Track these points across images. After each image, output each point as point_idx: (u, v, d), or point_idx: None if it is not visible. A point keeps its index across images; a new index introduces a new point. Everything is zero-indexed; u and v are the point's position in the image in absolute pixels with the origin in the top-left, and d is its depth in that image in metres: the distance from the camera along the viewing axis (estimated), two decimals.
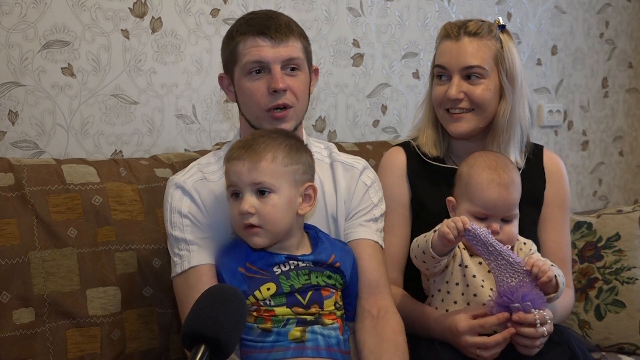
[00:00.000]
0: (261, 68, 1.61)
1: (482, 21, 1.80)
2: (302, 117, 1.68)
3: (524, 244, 1.70)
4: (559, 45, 3.13)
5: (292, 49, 1.61)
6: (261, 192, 1.51)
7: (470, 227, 1.53)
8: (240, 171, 1.50)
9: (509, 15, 2.95)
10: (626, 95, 3.40)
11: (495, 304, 1.55)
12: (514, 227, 1.66)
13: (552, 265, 1.62)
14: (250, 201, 1.50)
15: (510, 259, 1.54)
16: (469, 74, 1.76)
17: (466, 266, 1.64)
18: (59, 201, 1.77)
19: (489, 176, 1.64)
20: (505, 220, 1.64)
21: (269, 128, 1.61)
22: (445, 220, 1.56)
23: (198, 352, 1.03)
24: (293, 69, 1.62)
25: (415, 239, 1.67)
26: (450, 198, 1.72)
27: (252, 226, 1.51)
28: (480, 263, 1.64)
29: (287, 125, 1.62)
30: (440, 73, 1.80)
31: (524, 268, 1.54)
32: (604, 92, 3.32)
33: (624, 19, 3.33)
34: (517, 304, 1.52)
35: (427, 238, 1.61)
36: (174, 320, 1.87)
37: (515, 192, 1.66)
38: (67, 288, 1.75)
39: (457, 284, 1.64)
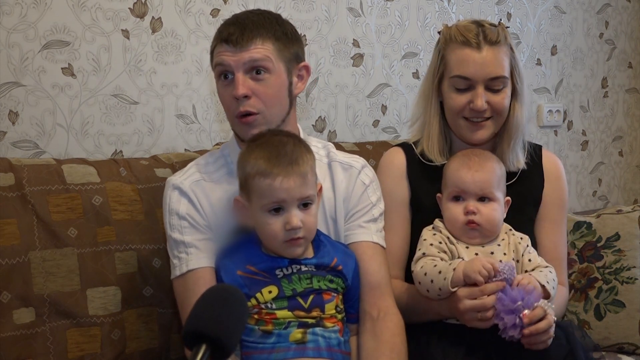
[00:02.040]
0: (227, 73, 1.59)
1: (493, 25, 1.78)
2: (278, 120, 1.62)
3: (521, 238, 1.71)
4: (558, 45, 3.13)
5: (254, 51, 1.56)
6: (305, 204, 1.52)
7: (500, 269, 1.55)
8: (290, 187, 1.48)
9: (509, 15, 2.95)
10: (626, 95, 3.40)
11: (501, 311, 1.54)
12: (493, 210, 1.66)
13: (544, 269, 1.64)
14: (298, 215, 1.50)
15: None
16: (494, 84, 1.74)
17: (462, 259, 1.65)
18: (59, 201, 1.78)
19: (460, 160, 1.72)
20: (482, 201, 1.67)
21: (241, 134, 1.61)
22: (473, 264, 1.56)
23: (199, 351, 1.03)
24: (259, 72, 1.58)
25: (421, 266, 1.65)
26: (439, 194, 1.76)
27: (298, 238, 1.51)
28: (476, 254, 1.65)
29: (256, 131, 1.59)
30: (461, 84, 1.76)
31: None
32: (604, 92, 3.32)
33: (624, 19, 3.33)
34: (519, 302, 1.52)
35: (443, 276, 1.59)
36: (174, 320, 1.87)
37: (487, 173, 1.68)
38: (67, 288, 1.75)
39: None
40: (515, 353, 1.58)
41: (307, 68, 1.68)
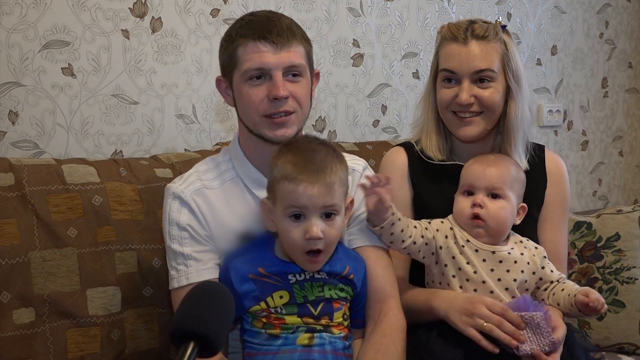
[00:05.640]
0: (262, 74, 1.56)
1: (486, 22, 1.79)
2: (305, 122, 1.64)
3: (536, 248, 1.71)
4: (558, 45, 3.13)
5: (294, 54, 1.55)
6: (328, 214, 1.49)
7: (524, 304, 1.55)
8: (312, 195, 1.46)
9: (509, 15, 2.95)
10: (626, 95, 3.40)
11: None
12: (501, 208, 1.66)
13: (567, 281, 1.69)
14: (319, 225, 1.47)
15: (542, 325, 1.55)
16: (479, 77, 1.75)
17: (467, 263, 1.65)
18: (59, 201, 1.78)
19: (476, 158, 1.75)
20: (492, 198, 1.67)
21: (268, 134, 1.57)
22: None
23: (187, 349, 1.03)
24: (295, 75, 1.57)
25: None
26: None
27: (317, 252, 1.49)
28: (484, 260, 1.65)
29: (289, 131, 1.57)
30: (448, 77, 1.78)
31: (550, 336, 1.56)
32: (604, 92, 3.32)
33: (624, 19, 3.33)
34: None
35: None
36: None
37: (499, 169, 1.69)
38: (67, 288, 1.75)
39: (453, 276, 1.65)
40: (513, 352, 1.58)
41: (318, 74, 1.69)
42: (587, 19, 3.21)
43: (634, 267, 2.25)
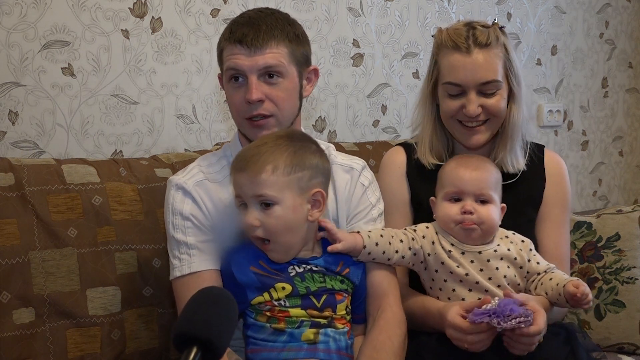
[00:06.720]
0: (239, 76, 1.57)
1: (485, 26, 1.75)
2: (289, 122, 1.63)
3: (522, 241, 1.70)
4: (558, 45, 3.13)
5: (270, 56, 1.55)
6: (265, 204, 1.48)
7: (471, 320, 1.51)
8: (242, 183, 1.49)
9: (509, 15, 2.95)
10: (626, 95, 3.40)
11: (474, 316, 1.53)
12: (491, 211, 1.64)
13: (557, 270, 1.66)
14: (254, 214, 1.49)
15: (511, 319, 1.51)
16: (486, 88, 1.72)
17: (458, 266, 1.64)
18: (59, 201, 1.78)
19: (457, 161, 1.71)
20: (481, 202, 1.65)
21: (251, 135, 1.60)
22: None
23: (190, 354, 1.03)
24: (272, 76, 1.57)
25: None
26: (432, 198, 1.73)
27: (262, 240, 1.50)
28: (472, 262, 1.64)
29: (267, 133, 1.58)
30: (453, 90, 1.74)
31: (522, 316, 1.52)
32: (604, 92, 3.32)
33: (624, 19, 3.33)
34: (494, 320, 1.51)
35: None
36: (174, 320, 1.86)
37: (485, 172, 1.67)
38: (67, 288, 1.75)
39: (445, 280, 1.65)
40: (514, 354, 1.58)
41: (316, 71, 1.69)
42: (587, 19, 3.21)
43: (634, 267, 2.25)
